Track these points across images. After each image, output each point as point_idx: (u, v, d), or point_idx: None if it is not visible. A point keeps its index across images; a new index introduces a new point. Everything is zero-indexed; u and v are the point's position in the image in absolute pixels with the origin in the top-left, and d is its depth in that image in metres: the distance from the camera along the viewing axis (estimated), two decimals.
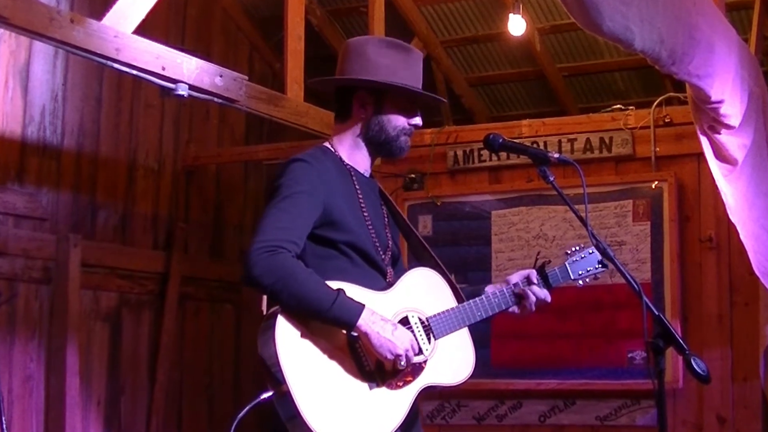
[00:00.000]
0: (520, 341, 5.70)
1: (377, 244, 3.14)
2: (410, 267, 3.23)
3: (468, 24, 7.49)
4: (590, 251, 3.35)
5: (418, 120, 3.23)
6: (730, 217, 4.75)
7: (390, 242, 3.22)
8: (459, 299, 3.20)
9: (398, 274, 3.18)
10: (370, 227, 3.15)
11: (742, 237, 4.78)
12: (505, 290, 3.25)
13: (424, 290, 3.15)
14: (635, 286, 3.00)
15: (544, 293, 3.26)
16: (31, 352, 5.59)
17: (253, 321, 7.23)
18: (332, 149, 3.22)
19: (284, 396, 2.83)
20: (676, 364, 5.29)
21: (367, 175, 3.26)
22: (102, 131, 6.22)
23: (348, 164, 3.20)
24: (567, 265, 3.34)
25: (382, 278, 3.13)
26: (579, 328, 5.66)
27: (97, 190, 6.16)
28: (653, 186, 5.64)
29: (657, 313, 2.91)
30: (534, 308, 3.25)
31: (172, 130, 6.79)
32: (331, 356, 2.91)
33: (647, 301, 2.91)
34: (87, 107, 6.10)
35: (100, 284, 6.12)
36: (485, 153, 6.05)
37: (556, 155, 3.16)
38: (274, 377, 2.85)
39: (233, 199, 7.37)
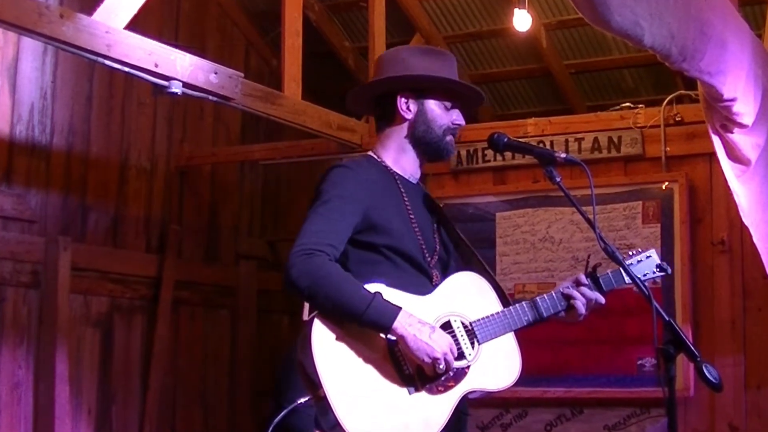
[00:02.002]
0: (525, 348, 5.67)
1: (424, 248, 3.19)
2: (454, 271, 3.25)
3: (472, 19, 7.49)
4: (648, 255, 3.35)
5: (460, 119, 3.31)
6: (743, 219, 4.74)
7: (438, 246, 3.26)
8: (506, 305, 3.22)
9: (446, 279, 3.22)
10: (417, 230, 3.20)
11: (755, 239, 4.77)
12: (554, 294, 3.25)
13: (468, 294, 3.18)
14: (645, 290, 2.99)
15: (595, 295, 3.24)
16: (20, 358, 5.59)
17: (249, 327, 7.25)
18: (376, 157, 3.29)
19: (321, 401, 2.88)
20: (687, 371, 5.28)
21: (413, 180, 3.32)
22: (93, 130, 6.22)
23: (393, 170, 3.27)
24: (621, 270, 3.31)
25: (428, 282, 3.17)
26: (586, 334, 5.65)
27: (87, 191, 6.16)
28: (663, 187, 5.63)
29: (667, 319, 2.91)
30: (585, 311, 3.24)
31: (165, 129, 6.80)
32: (369, 360, 2.96)
33: (657, 306, 2.91)
34: (77, 105, 6.10)
35: (90, 288, 6.12)
36: (489, 153, 6.05)
37: (563, 155, 3.17)
38: (312, 381, 2.90)
39: (229, 201, 7.37)
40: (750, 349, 5.45)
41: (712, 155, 4.93)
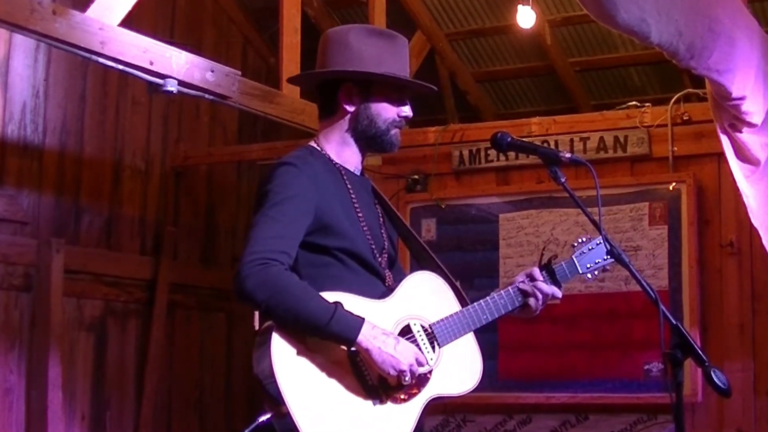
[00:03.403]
0: (529, 352, 5.69)
1: (373, 247, 3.14)
2: (410, 271, 3.23)
3: (474, 16, 7.49)
4: (597, 242, 3.33)
5: (408, 111, 3.22)
6: (752, 220, 4.75)
7: (386, 243, 3.21)
8: (463, 303, 3.20)
9: (397, 278, 3.17)
10: (365, 228, 3.14)
11: (764, 241, 4.77)
12: (510, 290, 3.23)
13: (425, 295, 3.15)
14: (652, 293, 2.99)
15: (551, 289, 3.24)
16: (11, 363, 5.59)
17: (246, 331, 7.24)
18: (319, 148, 3.21)
19: (284, 417, 2.83)
20: (695, 376, 5.28)
21: (357, 173, 3.24)
22: (86, 130, 6.22)
23: (337, 163, 3.19)
24: (574, 259, 3.31)
25: (380, 283, 3.13)
26: (592, 339, 5.66)
27: (80, 192, 6.16)
28: (671, 188, 5.63)
29: (675, 323, 2.91)
30: (541, 306, 3.24)
31: (160, 128, 6.80)
32: (332, 372, 2.91)
33: (664, 309, 2.91)
34: (70, 104, 6.10)
35: (84, 292, 6.11)
36: (492, 153, 6.05)
37: (568, 155, 3.16)
38: (272, 397, 2.84)
39: (225, 202, 7.37)
40: (759, 354, 5.44)
41: (721, 155, 4.94)
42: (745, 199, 4.68)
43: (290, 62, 5.44)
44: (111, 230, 6.39)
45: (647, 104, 5.91)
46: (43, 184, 5.89)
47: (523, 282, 3.24)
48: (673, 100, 5.75)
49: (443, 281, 3.21)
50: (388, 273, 3.16)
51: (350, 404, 2.91)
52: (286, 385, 2.83)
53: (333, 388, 2.90)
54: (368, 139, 3.19)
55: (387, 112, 3.18)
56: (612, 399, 5.60)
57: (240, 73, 5.05)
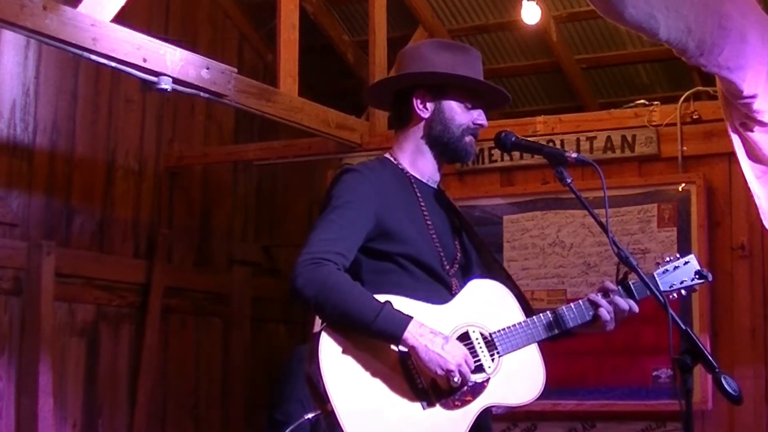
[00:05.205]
0: None
1: (442, 255, 3.18)
2: (472, 278, 3.23)
3: (477, 12, 7.49)
4: (685, 261, 3.30)
5: (482, 118, 3.27)
6: (764, 222, 4.75)
7: (458, 254, 3.25)
8: (529, 315, 3.19)
9: None
10: (434, 237, 3.19)
11: None
12: (581, 302, 3.21)
13: (487, 303, 3.16)
14: (660, 298, 2.99)
15: (628, 304, 3.21)
16: (1, 369, 5.59)
17: (242, 335, 7.25)
18: (393, 160, 3.28)
19: (329, 416, 2.88)
20: (705, 383, 5.28)
21: (431, 184, 3.30)
22: (78, 129, 6.22)
23: (409, 173, 3.26)
24: (656, 275, 3.28)
25: (446, 292, 3.15)
26: (599, 344, 5.64)
27: (72, 193, 6.16)
28: (680, 188, 5.63)
29: (684, 328, 2.91)
30: (615, 321, 3.20)
31: (154, 127, 6.80)
32: (380, 373, 2.95)
33: (673, 314, 2.91)
34: (61, 102, 6.10)
35: (75, 296, 6.12)
36: (496, 152, 6.05)
37: (574, 155, 3.17)
38: (320, 395, 2.90)
39: (221, 203, 7.37)
40: None
41: (731, 155, 4.94)
42: (756, 201, 4.69)
43: (288, 59, 5.45)
44: (103, 232, 6.39)
45: (656, 103, 5.91)
46: (33, 184, 5.90)
47: (594, 295, 3.22)
48: (682, 99, 5.75)
49: (508, 291, 3.22)
50: (455, 282, 3.19)
51: (398, 406, 2.94)
52: (332, 384, 2.89)
53: (381, 389, 2.94)
54: (443, 145, 3.25)
55: (461, 117, 3.24)
56: (620, 406, 5.59)
57: (236, 70, 5.06)
